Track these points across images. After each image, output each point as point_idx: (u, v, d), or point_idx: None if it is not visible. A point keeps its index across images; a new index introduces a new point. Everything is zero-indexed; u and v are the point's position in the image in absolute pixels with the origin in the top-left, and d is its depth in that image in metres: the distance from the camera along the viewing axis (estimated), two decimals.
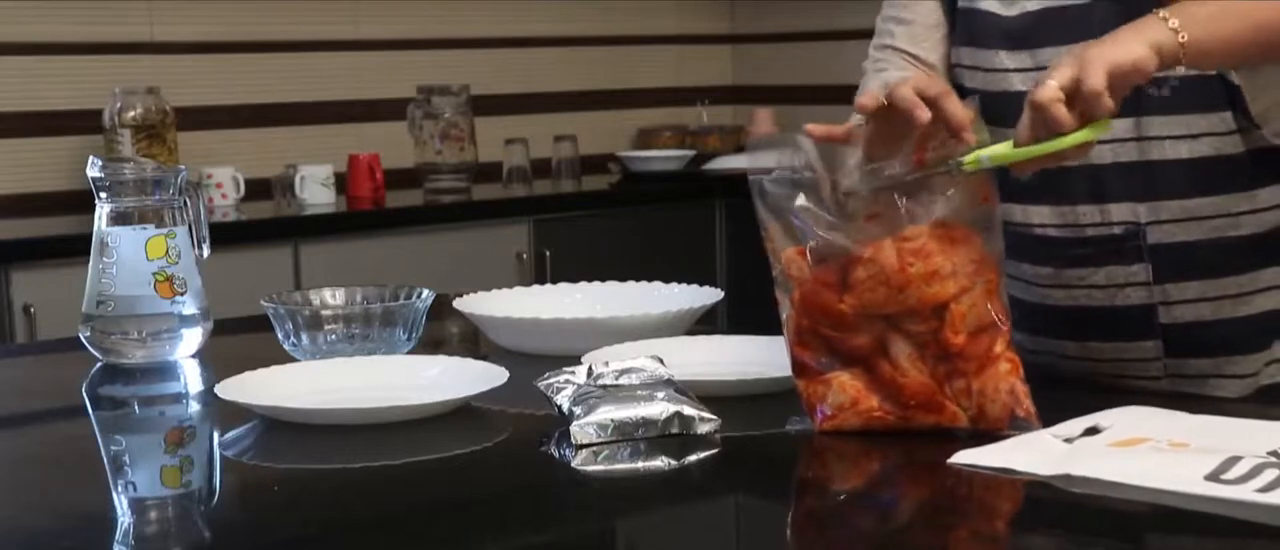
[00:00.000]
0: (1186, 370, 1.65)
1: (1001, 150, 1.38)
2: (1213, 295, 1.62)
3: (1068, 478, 1.22)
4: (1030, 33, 1.64)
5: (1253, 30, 1.46)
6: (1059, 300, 1.68)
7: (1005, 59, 1.65)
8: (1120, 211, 1.62)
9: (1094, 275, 1.65)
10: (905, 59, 1.76)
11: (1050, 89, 1.35)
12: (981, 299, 1.37)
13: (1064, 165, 1.55)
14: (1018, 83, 1.64)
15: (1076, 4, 1.61)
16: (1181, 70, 1.47)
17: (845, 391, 1.40)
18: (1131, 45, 1.38)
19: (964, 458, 1.29)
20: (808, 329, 1.41)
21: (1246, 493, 1.16)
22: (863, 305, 1.38)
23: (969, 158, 1.38)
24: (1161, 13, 1.42)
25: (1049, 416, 1.37)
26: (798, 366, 1.42)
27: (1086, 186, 1.63)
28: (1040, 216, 1.66)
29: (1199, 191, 1.60)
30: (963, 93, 1.69)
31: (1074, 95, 1.35)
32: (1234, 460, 1.22)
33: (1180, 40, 1.40)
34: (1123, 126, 1.59)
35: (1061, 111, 1.35)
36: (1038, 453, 1.28)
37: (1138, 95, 1.55)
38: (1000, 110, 1.64)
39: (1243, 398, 1.65)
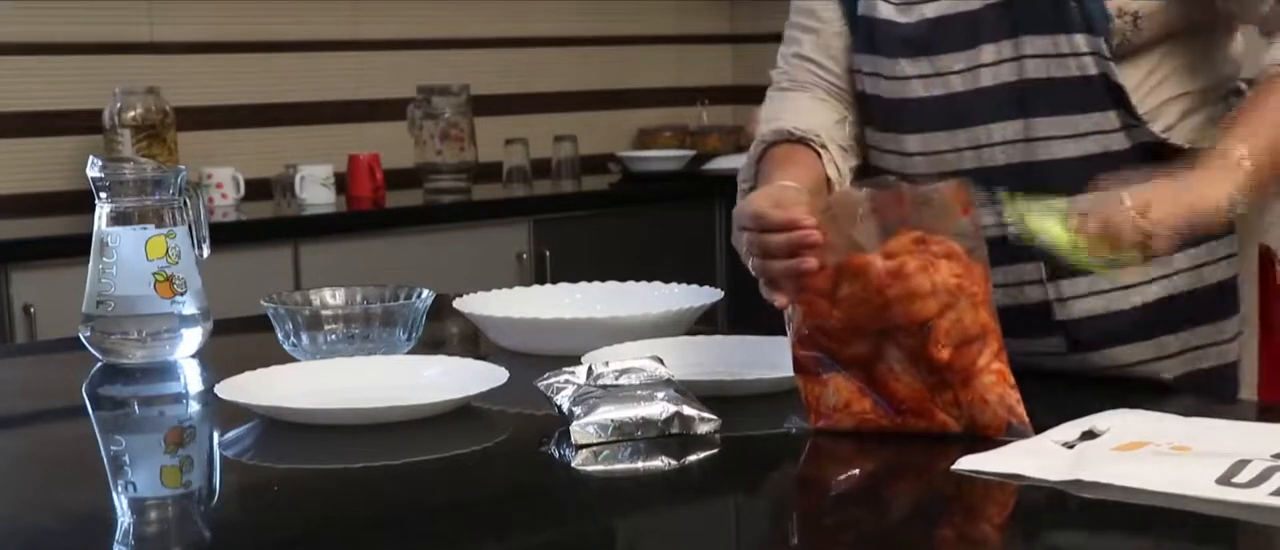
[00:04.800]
0: (1094, 363, 1.67)
1: (1058, 234, 1.43)
2: (1104, 288, 1.65)
3: (1078, 483, 1.22)
4: (928, 39, 1.67)
5: None
6: None
7: (906, 66, 1.69)
8: None
9: (993, 276, 1.67)
10: (811, 69, 1.79)
11: (1124, 214, 1.40)
12: (967, 312, 1.37)
13: (959, 170, 1.63)
14: (919, 89, 1.68)
15: (968, 10, 1.65)
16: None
17: (840, 393, 1.41)
18: (1212, 194, 1.44)
19: (970, 463, 1.28)
20: (808, 332, 1.41)
21: (1260, 496, 1.16)
22: (850, 319, 1.38)
23: (1017, 215, 1.42)
24: (1238, 151, 1.46)
25: (1039, 417, 1.37)
26: (799, 365, 1.43)
27: (980, 189, 1.65)
28: None
29: (1087, 188, 1.61)
30: (863, 99, 1.75)
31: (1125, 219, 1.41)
32: (1243, 464, 1.22)
33: (1247, 178, 1.46)
34: (1012, 129, 1.64)
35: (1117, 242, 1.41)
36: (1043, 458, 1.28)
37: (1023, 97, 1.62)
38: (901, 117, 1.69)
39: (1176, 381, 1.68)
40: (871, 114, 1.75)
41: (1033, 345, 1.67)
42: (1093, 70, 1.60)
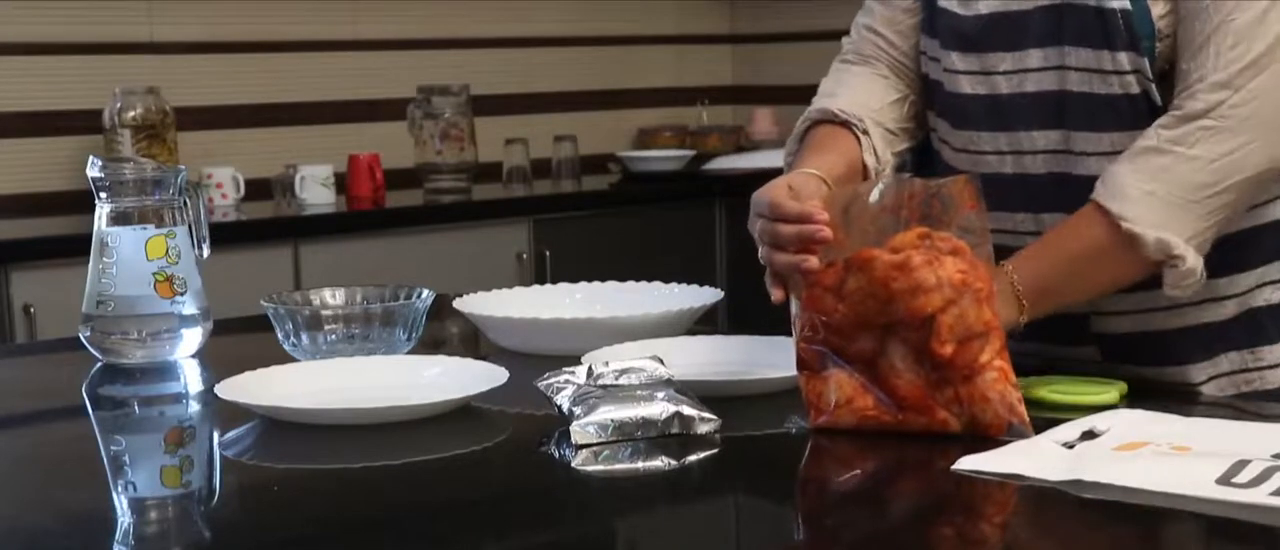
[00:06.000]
0: (1124, 376, 1.65)
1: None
2: (1145, 307, 1.62)
3: (1078, 483, 1.22)
4: (980, 36, 1.66)
5: (1091, 290, 1.57)
6: None
7: (956, 60, 1.68)
8: (1052, 221, 1.63)
9: None
10: (878, 43, 1.79)
11: None
12: (971, 308, 1.37)
13: (999, 173, 1.64)
14: (965, 85, 1.67)
15: (1019, 10, 1.63)
16: None
17: (842, 390, 1.40)
18: (1001, 314, 1.45)
19: (969, 463, 1.28)
20: (813, 327, 1.41)
21: (1260, 497, 1.16)
22: (855, 314, 1.39)
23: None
24: (1017, 288, 1.50)
25: (1040, 418, 1.38)
26: (801, 362, 1.43)
27: (1022, 196, 1.65)
28: None
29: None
30: (927, 82, 1.74)
31: None
32: (1243, 464, 1.22)
33: (1022, 311, 1.50)
34: (1054, 138, 1.62)
35: None
36: (1043, 459, 1.28)
37: (1063, 108, 1.60)
38: (950, 109, 1.68)
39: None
40: (932, 99, 1.74)
41: (1065, 352, 1.66)
42: (1135, 89, 1.57)
